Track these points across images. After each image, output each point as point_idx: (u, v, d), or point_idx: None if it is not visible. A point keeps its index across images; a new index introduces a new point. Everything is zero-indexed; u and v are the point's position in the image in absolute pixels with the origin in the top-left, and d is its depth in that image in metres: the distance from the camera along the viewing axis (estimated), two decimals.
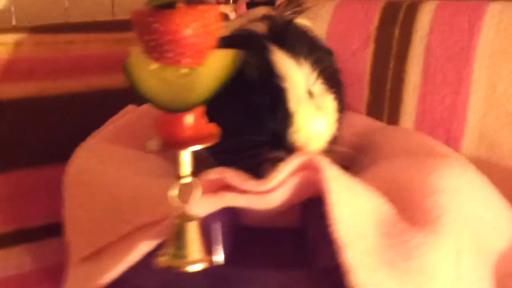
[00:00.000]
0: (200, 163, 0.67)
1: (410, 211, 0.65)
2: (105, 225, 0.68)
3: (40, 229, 0.96)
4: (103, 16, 1.07)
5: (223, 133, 0.68)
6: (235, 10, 1.23)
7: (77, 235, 0.73)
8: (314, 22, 1.08)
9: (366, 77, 1.04)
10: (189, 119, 0.53)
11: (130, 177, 0.70)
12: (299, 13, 0.79)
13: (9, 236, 0.94)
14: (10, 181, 0.93)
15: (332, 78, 0.74)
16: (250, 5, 1.20)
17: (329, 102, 0.71)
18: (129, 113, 0.88)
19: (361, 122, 0.95)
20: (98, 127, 0.88)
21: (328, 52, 0.76)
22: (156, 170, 0.74)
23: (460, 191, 0.68)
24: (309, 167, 0.60)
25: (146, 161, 0.76)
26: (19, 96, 0.92)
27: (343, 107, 0.78)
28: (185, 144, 0.54)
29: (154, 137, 0.78)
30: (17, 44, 0.92)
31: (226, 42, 0.71)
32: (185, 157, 0.55)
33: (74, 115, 0.97)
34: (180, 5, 0.49)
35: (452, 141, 0.95)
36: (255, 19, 0.76)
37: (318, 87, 0.70)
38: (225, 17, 1.20)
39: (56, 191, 0.79)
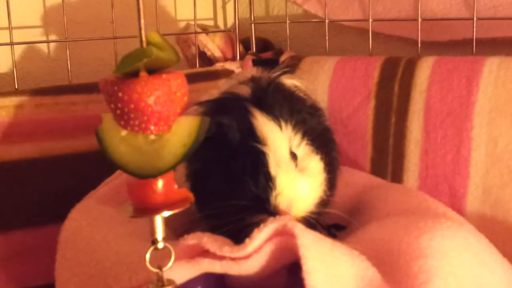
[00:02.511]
0: (194, 226, 0.67)
1: (397, 275, 0.63)
2: None
3: None
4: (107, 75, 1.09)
5: (210, 197, 0.68)
6: (242, 67, 1.24)
7: None
8: (317, 79, 1.09)
9: (369, 133, 1.03)
10: (158, 184, 0.53)
11: (115, 241, 0.70)
12: (289, 73, 0.79)
13: None
14: (11, 241, 0.94)
15: (320, 138, 0.73)
16: (256, 62, 1.21)
17: (314, 163, 0.70)
18: (124, 174, 0.88)
19: (360, 179, 0.94)
20: (97, 187, 0.89)
21: (316, 112, 0.76)
22: (144, 232, 0.73)
23: (451, 254, 0.66)
24: (284, 233, 0.59)
25: (136, 222, 0.76)
26: (19, 158, 0.94)
27: (334, 166, 0.77)
28: (156, 209, 0.53)
29: (127, 202, 0.78)
30: (19, 107, 0.94)
31: (210, 105, 0.72)
32: (157, 223, 0.54)
33: (75, 174, 0.98)
34: (143, 73, 0.50)
35: (457, 198, 0.94)
36: (244, 81, 0.76)
37: (303, 148, 0.70)
38: (232, 73, 1.22)
39: (56, 251, 0.79)
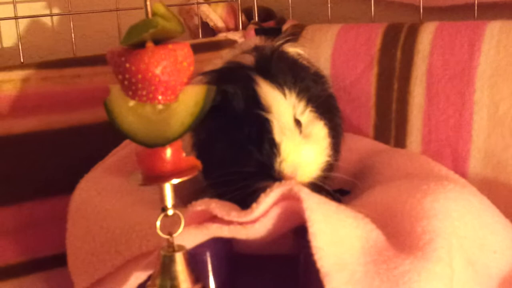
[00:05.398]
0: (200, 194, 0.69)
1: (401, 236, 0.65)
2: (101, 256, 0.69)
3: (51, 259, 0.98)
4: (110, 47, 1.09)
5: (216, 165, 0.70)
6: (244, 37, 1.24)
7: (78, 266, 0.74)
8: (319, 47, 1.09)
9: (372, 99, 1.04)
10: (167, 153, 0.54)
11: (124, 209, 0.71)
12: (292, 41, 0.80)
13: (22, 266, 0.97)
14: (21, 213, 0.96)
15: (323, 105, 0.74)
16: (258, 32, 1.21)
17: (318, 129, 0.71)
18: (131, 144, 0.89)
19: (363, 145, 0.95)
20: (104, 158, 0.90)
21: (319, 79, 0.76)
22: (152, 200, 0.75)
23: (454, 215, 0.68)
24: (290, 197, 0.60)
25: (144, 191, 0.77)
26: (26, 131, 0.95)
27: (338, 132, 0.78)
28: (165, 177, 0.55)
29: (136, 171, 0.79)
30: (25, 80, 0.95)
31: (215, 75, 0.72)
32: (167, 190, 0.56)
33: (82, 146, 0.99)
34: (150, 44, 0.51)
35: (459, 161, 0.95)
36: (247, 50, 0.77)
37: (307, 115, 0.71)
38: (235, 43, 1.22)
39: (65, 221, 0.81)
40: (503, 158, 0.91)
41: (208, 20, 1.27)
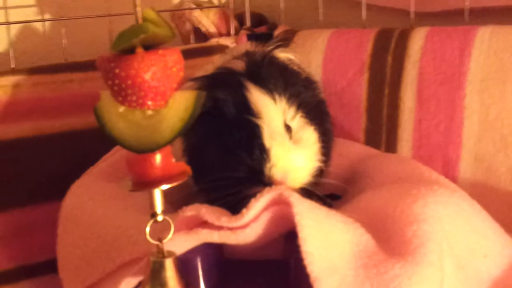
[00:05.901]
0: (192, 200, 0.69)
1: (391, 241, 0.65)
2: (92, 262, 0.69)
3: (42, 265, 0.98)
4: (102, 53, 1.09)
5: (206, 170, 0.70)
6: (236, 42, 1.25)
7: (69, 271, 0.74)
8: (311, 52, 1.10)
9: (363, 104, 1.05)
10: (156, 159, 0.54)
11: (116, 215, 0.71)
12: (283, 46, 0.80)
13: (13, 272, 0.97)
14: (12, 219, 0.96)
15: (314, 110, 0.74)
16: (250, 37, 1.22)
17: (309, 135, 0.71)
18: (122, 150, 0.89)
19: (354, 150, 0.95)
20: (95, 163, 0.90)
21: (310, 85, 0.77)
22: (143, 206, 0.75)
23: (444, 219, 0.68)
24: (280, 202, 0.60)
25: (135, 196, 0.77)
26: (18, 136, 0.95)
27: (329, 137, 0.79)
28: (155, 183, 0.55)
29: (127, 177, 0.79)
30: (16, 86, 0.95)
31: (205, 81, 0.73)
32: (156, 196, 0.56)
33: (73, 152, 0.99)
34: (140, 50, 0.51)
35: (450, 165, 0.95)
36: (238, 55, 0.77)
37: (297, 120, 0.71)
38: (226, 49, 1.22)
39: (56, 227, 0.81)
40: (493, 162, 0.91)
41: (200, 26, 1.27)
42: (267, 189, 0.62)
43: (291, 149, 0.68)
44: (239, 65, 0.73)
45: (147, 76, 0.50)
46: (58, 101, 0.99)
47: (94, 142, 1.00)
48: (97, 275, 0.68)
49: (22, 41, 1.12)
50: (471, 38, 0.94)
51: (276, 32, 1.20)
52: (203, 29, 1.27)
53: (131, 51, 0.52)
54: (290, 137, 0.70)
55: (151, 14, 0.53)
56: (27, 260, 0.97)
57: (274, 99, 0.69)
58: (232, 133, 0.69)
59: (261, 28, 1.30)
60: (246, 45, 0.85)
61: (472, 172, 0.93)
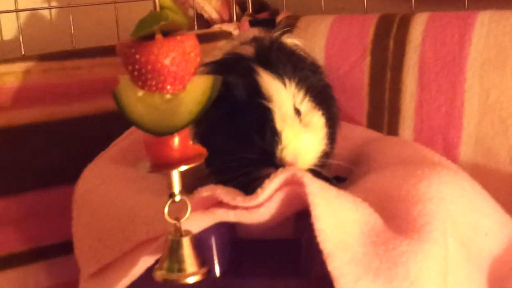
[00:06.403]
0: (202, 182, 0.71)
1: (398, 220, 0.67)
2: (108, 242, 0.71)
3: (54, 247, 1.01)
4: (109, 41, 1.11)
5: (217, 153, 0.72)
6: (238, 28, 1.26)
7: (85, 252, 0.76)
8: (313, 38, 1.11)
9: (365, 89, 1.06)
10: (175, 141, 0.56)
11: (130, 196, 0.73)
12: (288, 32, 0.82)
13: (26, 254, 0.99)
14: (24, 202, 0.98)
15: (321, 95, 0.76)
16: (252, 23, 1.23)
17: (317, 119, 0.73)
18: (134, 134, 0.91)
19: (358, 134, 0.97)
20: (106, 148, 0.92)
21: (317, 70, 0.79)
22: (155, 188, 0.77)
23: (448, 199, 0.70)
24: (293, 182, 0.62)
25: (148, 179, 0.80)
26: (28, 121, 0.97)
27: (335, 121, 0.80)
28: (173, 165, 0.57)
29: (145, 159, 0.81)
30: (26, 72, 0.96)
31: (216, 66, 0.74)
32: (174, 177, 0.58)
33: (83, 137, 1.02)
34: (159, 36, 0.53)
35: (450, 148, 0.97)
36: (246, 41, 0.79)
37: (306, 104, 0.73)
38: (229, 35, 1.24)
39: (68, 210, 0.83)
40: (493, 144, 0.93)
41: (202, 12, 1.29)
42: (280, 169, 0.64)
43: (301, 132, 0.70)
44: (248, 51, 0.75)
45: (167, 61, 0.53)
46: (67, 87, 1.01)
47: (103, 127, 1.03)
48: (113, 255, 0.70)
49: (30, 28, 1.13)
50: (471, 23, 0.96)
51: (278, 18, 1.21)
52: (205, 16, 1.29)
53: (150, 37, 0.54)
54: (300, 121, 0.71)
55: (167, 2, 0.56)
56: (39, 243, 1.00)
57: (284, 84, 0.71)
58: (243, 117, 0.70)
59: (263, 14, 1.31)
60: (253, 31, 0.86)
61: (472, 154, 0.95)
